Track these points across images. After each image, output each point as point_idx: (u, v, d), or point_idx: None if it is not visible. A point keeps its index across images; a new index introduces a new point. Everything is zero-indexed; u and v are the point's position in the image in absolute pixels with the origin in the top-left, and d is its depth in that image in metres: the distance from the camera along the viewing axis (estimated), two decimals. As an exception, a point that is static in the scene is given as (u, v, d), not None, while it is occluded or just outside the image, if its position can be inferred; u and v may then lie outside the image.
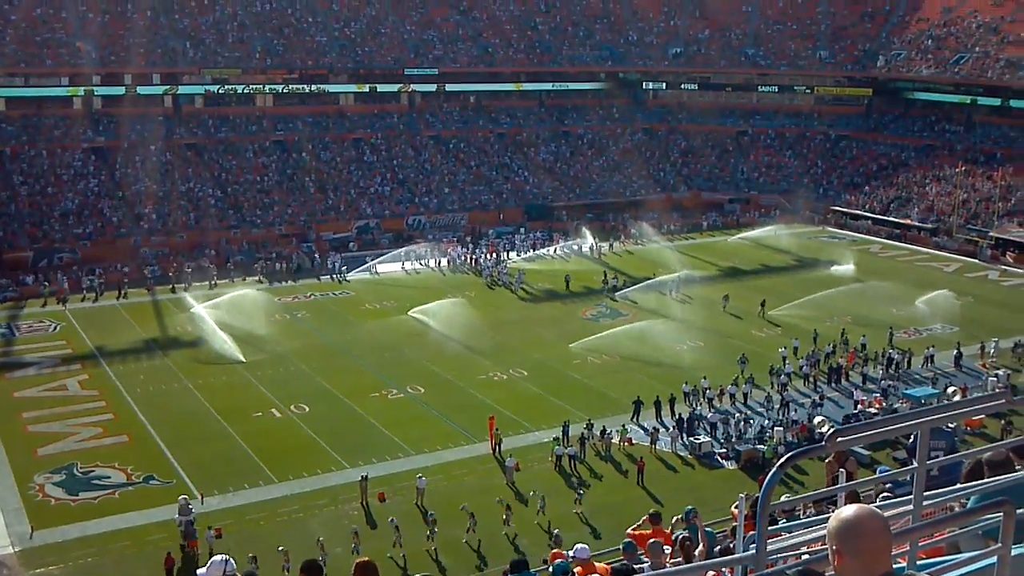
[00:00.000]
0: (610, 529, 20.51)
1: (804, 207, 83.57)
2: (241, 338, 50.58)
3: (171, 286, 61.92)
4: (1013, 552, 5.04)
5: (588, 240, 74.12)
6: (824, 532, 6.99)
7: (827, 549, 3.71)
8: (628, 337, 51.16)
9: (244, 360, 47.96)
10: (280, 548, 29.21)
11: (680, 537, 11.37)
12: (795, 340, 50.24)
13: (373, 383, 45.49)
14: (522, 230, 78.34)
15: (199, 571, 8.54)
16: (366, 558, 10.05)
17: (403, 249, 70.48)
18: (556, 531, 29.74)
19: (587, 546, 12.19)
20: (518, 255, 71.88)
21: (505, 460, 36.83)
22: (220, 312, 54.51)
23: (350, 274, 65.82)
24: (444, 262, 69.46)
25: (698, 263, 68.62)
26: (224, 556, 8.84)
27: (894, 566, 3.58)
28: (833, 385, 45.77)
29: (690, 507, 13.14)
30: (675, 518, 13.65)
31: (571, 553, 12.22)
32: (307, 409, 42.26)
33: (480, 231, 77.36)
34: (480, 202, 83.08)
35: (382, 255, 69.44)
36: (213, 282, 62.59)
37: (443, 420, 41.58)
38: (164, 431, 39.88)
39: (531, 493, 34.48)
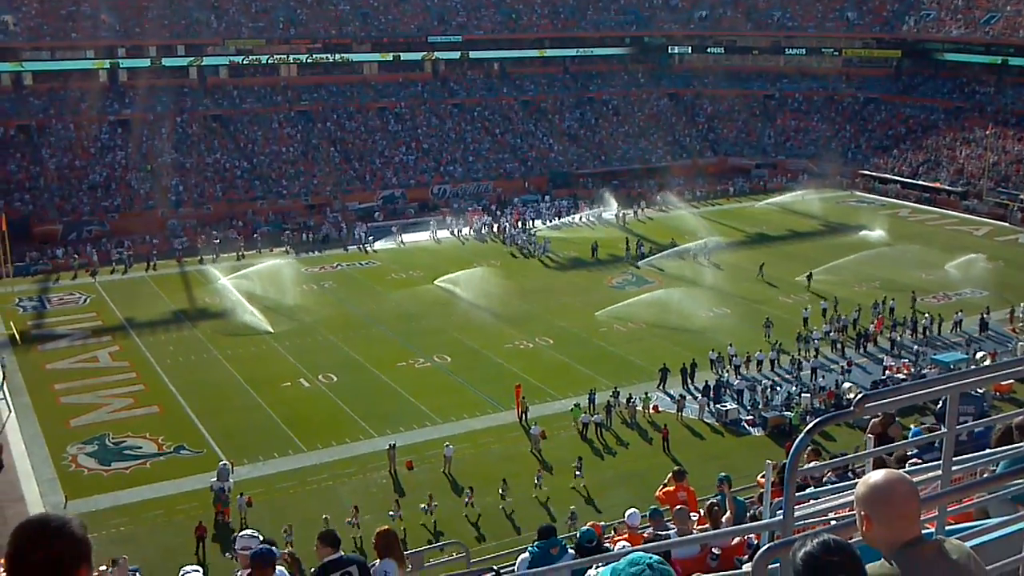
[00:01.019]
0: (638, 495, 20.67)
1: (832, 171, 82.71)
2: (268, 309, 50.94)
3: (199, 257, 62.32)
4: (1042, 518, 4.99)
5: (613, 207, 73.85)
6: (850, 498, 6.96)
7: (855, 515, 3.68)
8: (654, 304, 51.02)
9: (272, 330, 48.29)
10: (332, 514, 29.50)
11: (709, 503, 11.37)
12: (823, 302, 50.17)
13: (400, 352, 45.68)
14: (547, 198, 78.14)
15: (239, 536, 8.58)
16: (386, 526, 10.12)
17: (430, 218, 70.60)
18: (572, 508, 29.99)
19: (636, 511, 12.19)
20: (543, 223, 71.71)
21: (530, 428, 36.97)
22: (247, 283, 54.86)
23: (376, 243, 66.01)
24: (469, 231, 69.50)
25: (725, 229, 68.18)
26: (252, 531, 8.91)
27: (922, 531, 3.54)
28: (861, 351, 45.50)
29: (723, 474, 13.13)
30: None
31: (626, 518, 12.25)
32: (335, 379, 42.52)
33: (505, 199, 77.25)
34: (505, 170, 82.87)
35: (408, 224, 69.55)
36: (240, 253, 62.97)
37: (469, 389, 41.73)
38: (194, 401, 40.28)
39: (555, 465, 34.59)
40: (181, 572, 9.45)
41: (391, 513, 29.74)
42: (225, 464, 32.79)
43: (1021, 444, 7.38)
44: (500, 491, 32.13)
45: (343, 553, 8.77)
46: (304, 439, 36.81)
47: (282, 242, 65.96)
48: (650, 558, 2.85)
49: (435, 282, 56.10)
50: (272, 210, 71.96)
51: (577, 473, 33.37)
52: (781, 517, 5.62)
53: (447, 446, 34.81)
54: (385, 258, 63.29)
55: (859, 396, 5.31)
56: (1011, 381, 35.45)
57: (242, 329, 48.85)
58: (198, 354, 45.84)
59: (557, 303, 52.73)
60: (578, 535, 10.15)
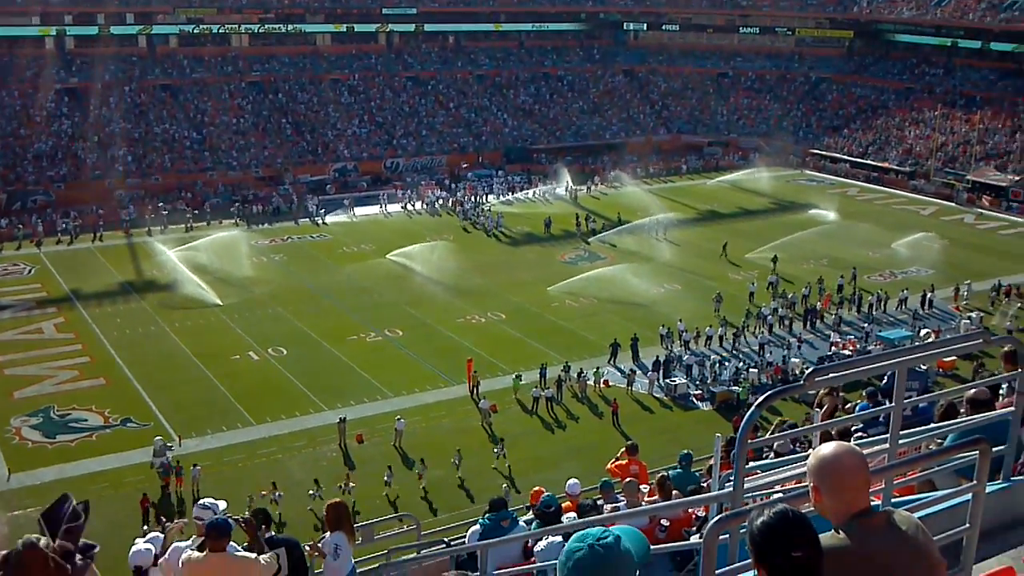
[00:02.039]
0: (588, 469, 20.83)
1: (783, 150, 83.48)
2: (218, 281, 50.41)
3: (147, 229, 61.41)
4: (988, 489, 5.06)
5: (566, 183, 73.91)
6: (799, 471, 7.03)
7: (805, 487, 3.68)
8: (605, 280, 51.22)
9: (221, 303, 47.79)
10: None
11: (660, 476, 11.45)
12: (771, 276, 50.77)
13: (351, 326, 45.45)
14: (500, 173, 77.96)
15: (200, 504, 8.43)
16: (337, 499, 10.07)
17: (382, 191, 70.17)
18: (504, 486, 30.15)
19: (577, 481, 12.30)
20: (497, 198, 71.59)
21: (480, 402, 37.04)
22: (197, 255, 54.24)
23: (328, 217, 65.50)
24: (422, 205, 69.22)
25: (677, 206, 68.56)
26: (210, 501, 8.80)
27: (871, 503, 3.56)
28: (808, 328, 46.06)
29: (685, 451, 13.36)
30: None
31: (566, 487, 12.35)
32: (285, 352, 42.21)
33: (459, 173, 76.95)
34: (459, 144, 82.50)
35: (360, 198, 69.06)
36: (189, 225, 62.17)
37: (421, 363, 41.64)
38: (141, 374, 39.78)
39: (499, 442, 34.67)
40: (149, 536, 9.36)
41: (340, 486, 29.71)
42: (159, 439, 32.47)
43: (967, 418, 7.50)
44: (454, 461, 32.28)
45: (273, 534, 8.68)
46: (253, 412, 36.53)
47: (232, 215, 65.25)
48: (593, 538, 2.82)
49: (387, 256, 55.84)
50: (222, 182, 71.06)
51: (499, 454, 33.30)
52: (731, 489, 5.66)
53: (398, 419, 34.75)
54: (337, 231, 62.85)
55: (810, 369, 5.35)
56: (954, 358, 36.21)
57: (190, 302, 48.27)
58: (145, 326, 45.24)
59: (509, 278, 52.74)
60: (540, 502, 10.18)
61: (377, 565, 10.39)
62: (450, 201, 69.58)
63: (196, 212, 64.32)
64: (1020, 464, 6.79)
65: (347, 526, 9.68)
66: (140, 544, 8.46)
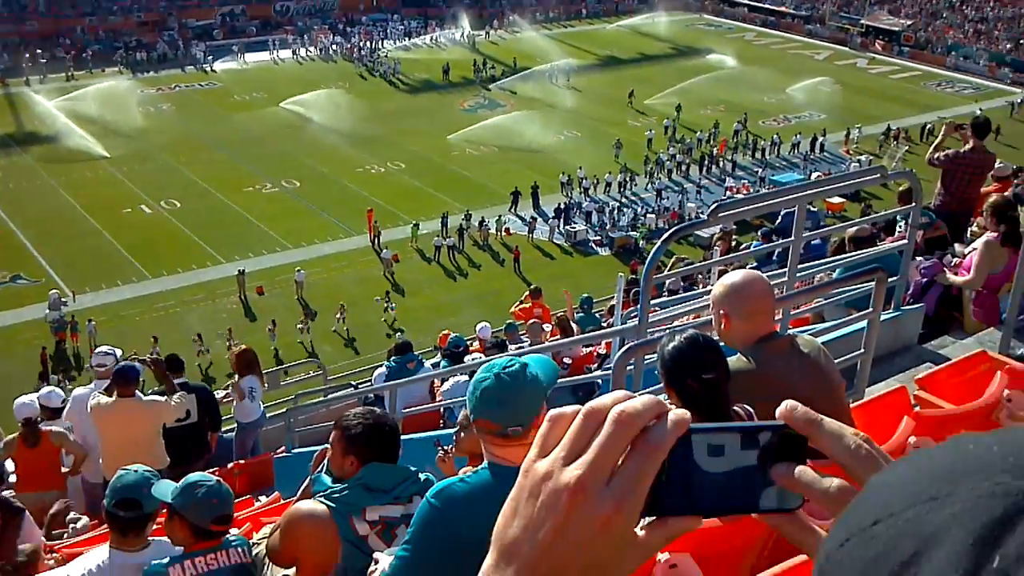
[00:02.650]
0: (491, 315, 21.06)
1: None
2: (104, 132, 48.40)
3: (24, 78, 58.20)
4: (881, 317, 5.27)
5: (464, 28, 72.23)
6: (696, 306, 7.20)
7: (704, 320, 3.75)
8: (506, 128, 50.81)
9: (108, 155, 46.06)
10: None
11: (559, 315, 11.66)
12: (667, 120, 51.09)
13: (246, 177, 44.39)
14: (396, 17, 75.62)
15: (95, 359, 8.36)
16: (245, 346, 10.03)
17: (272, 37, 67.57)
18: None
19: (488, 324, 12.44)
20: (393, 43, 69.65)
21: (382, 252, 36.95)
22: (80, 105, 51.82)
23: (216, 64, 63.02)
24: (315, 50, 67.03)
25: (577, 52, 67.80)
26: (108, 348, 8.69)
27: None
28: (705, 173, 46.67)
29: (585, 295, 13.62)
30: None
31: (477, 330, 12.51)
32: (178, 204, 41.16)
33: (353, 18, 74.37)
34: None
35: (250, 44, 66.42)
36: (70, 74, 59.12)
37: (320, 213, 41.12)
38: (29, 229, 38.41)
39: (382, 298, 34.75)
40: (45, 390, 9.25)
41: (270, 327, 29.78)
42: (54, 293, 31.79)
43: (857, 252, 7.76)
44: (337, 317, 32.35)
45: (187, 380, 8.62)
46: (149, 266, 35.80)
47: (115, 62, 62.20)
48: (501, 367, 2.83)
49: (281, 104, 54.22)
50: (102, 28, 67.38)
51: (387, 307, 33.29)
52: (635, 323, 5.77)
53: (298, 271, 34.50)
54: (226, 79, 60.60)
55: (714, 204, 5.42)
56: (843, 201, 37.27)
57: (76, 154, 46.35)
58: (30, 181, 43.45)
59: (408, 126, 51.85)
60: (448, 342, 10.30)
61: (285, 409, 10.45)
62: (345, 47, 67.42)
63: (76, 60, 61.07)
64: (907, 295, 7.09)
65: (257, 371, 9.70)
66: (24, 398, 8.45)
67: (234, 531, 3.95)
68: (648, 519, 0.74)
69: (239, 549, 3.70)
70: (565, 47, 67.95)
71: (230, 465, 8.84)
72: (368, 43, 67.90)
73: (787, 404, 0.75)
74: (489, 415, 2.75)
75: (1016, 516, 0.46)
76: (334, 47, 67.38)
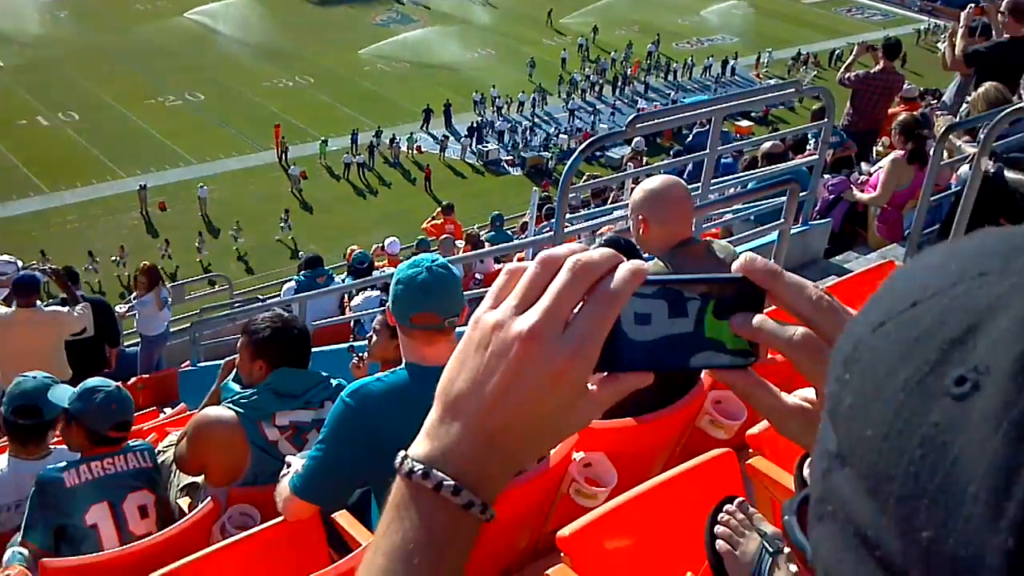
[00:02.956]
0: (402, 233, 20.85)
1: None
2: (-5, 38, 46.21)
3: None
4: (792, 230, 5.34)
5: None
6: (608, 219, 7.20)
7: (627, 224, 3.73)
8: (419, 43, 49.97)
9: (1, 64, 43.98)
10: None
11: (470, 232, 11.62)
12: (581, 39, 50.84)
13: (149, 89, 42.87)
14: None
15: None
16: (148, 262, 9.77)
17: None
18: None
19: (397, 240, 12.33)
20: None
21: (289, 168, 36.28)
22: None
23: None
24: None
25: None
26: (8, 257, 8.37)
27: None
28: (618, 95, 46.69)
29: (496, 212, 13.57)
30: None
31: (385, 246, 12.38)
32: (77, 117, 39.62)
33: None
34: None
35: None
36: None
37: (226, 128, 40.06)
38: (-86, 139, 36.71)
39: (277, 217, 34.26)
40: None
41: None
42: None
43: (767, 167, 7.84)
44: (232, 233, 31.88)
45: (82, 293, 8.36)
46: (46, 180, 34.55)
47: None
48: (429, 261, 2.77)
49: (185, 14, 52.31)
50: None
51: (283, 226, 32.71)
52: (550, 234, 5.74)
53: (201, 187, 33.69)
54: (127, -14, 58.10)
55: (632, 116, 5.38)
56: (751, 125, 37.73)
57: (-35, 61, 44.25)
58: (-85, 88, 41.39)
59: (318, 40, 50.53)
60: (353, 258, 10.18)
61: (189, 324, 10.24)
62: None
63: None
64: (815, 211, 7.19)
65: (163, 285, 9.51)
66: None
67: (140, 442, 3.85)
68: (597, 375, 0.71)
69: (138, 453, 3.60)
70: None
71: (132, 380, 8.64)
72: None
73: (746, 256, 0.72)
74: (429, 307, 2.70)
75: None
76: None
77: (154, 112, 40.89)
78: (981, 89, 6.90)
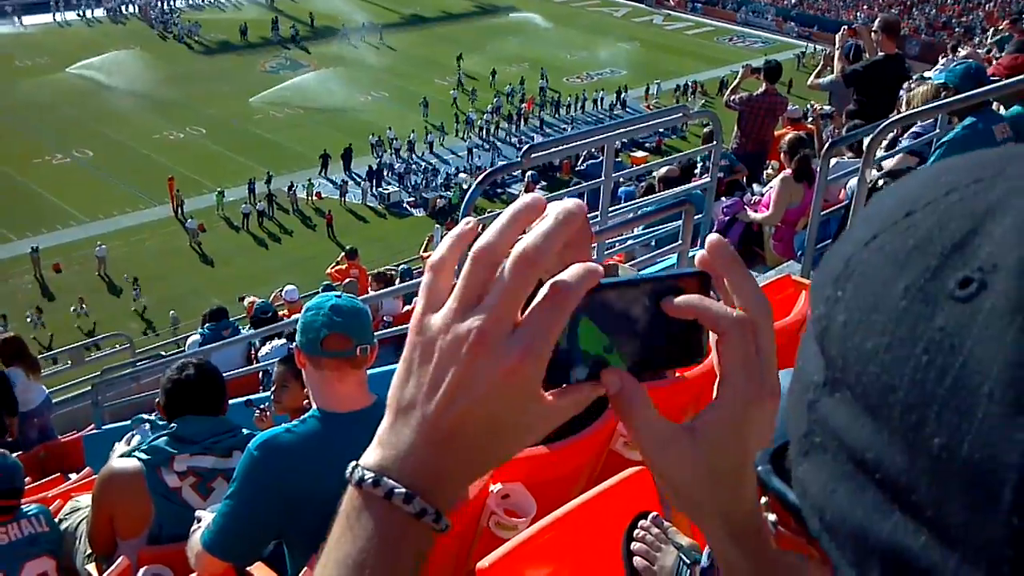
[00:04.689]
0: (306, 280, 20.58)
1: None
2: None
3: None
4: (690, 252, 5.44)
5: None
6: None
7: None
8: (310, 89, 49.76)
9: None
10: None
11: (377, 272, 11.58)
12: (458, 73, 51.25)
13: (34, 148, 41.72)
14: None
15: None
16: (10, 334, 9.41)
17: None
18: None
19: (295, 287, 12.18)
20: (186, 1, 66.73)
21: (187, 222, 35.69)
22: None
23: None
24: (104, 12, 63.50)
25: (379, 11, 66.79)
26: None
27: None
28: (514, 131, 47.12)
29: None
30: None
31: (283, 294, 12.19)
32: (-41, 179, 38.42)
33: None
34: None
35: (28, 5, 62.26)
36: None
37: (118, 184, 39.20)
38: None
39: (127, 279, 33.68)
40: None
41: (29, 319, 28.17)
42: None
43: (663, 192, 8.02)
44: (133, 294, 31.13)
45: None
46: (-70, 247, 33.37)
47: None
48: (333, 296, 2.77)
49: (68, 69, 51.19)
50: None
51: (136, 295, 31.69)
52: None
53: (100, 246, 32.88)
54: (5, 43, 56.55)
55: (525, 147, 5.45)
56: (646, 155, 38.39)
57: None
58: None
59: (207, 90, 49.92)
60: (256, 307, 10.03)
61: (91, 387, 9.94)
62: (136, 6, 64.09)
63: None
64: (712, 232, 7.36)
65: (27, 360, 9.02)
66: None
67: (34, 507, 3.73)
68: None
69: (32, 519, 3.50)
70: (369, 5, 66.86)
71: (35, 448, 8.35)
72: (160, 3, 64.83)
73: (713, 237, 0.70)
74: (341, 327, 2.69)
75: None
76: (124, 7, 63.95)
77: (41, 171, 39.83)
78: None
